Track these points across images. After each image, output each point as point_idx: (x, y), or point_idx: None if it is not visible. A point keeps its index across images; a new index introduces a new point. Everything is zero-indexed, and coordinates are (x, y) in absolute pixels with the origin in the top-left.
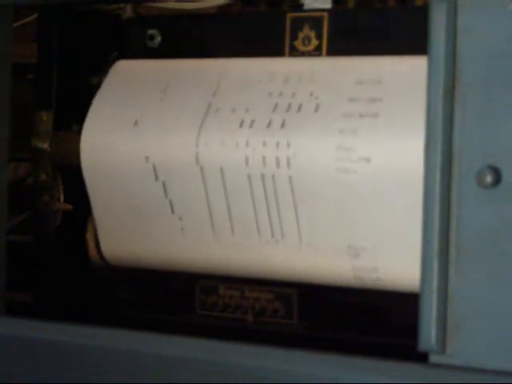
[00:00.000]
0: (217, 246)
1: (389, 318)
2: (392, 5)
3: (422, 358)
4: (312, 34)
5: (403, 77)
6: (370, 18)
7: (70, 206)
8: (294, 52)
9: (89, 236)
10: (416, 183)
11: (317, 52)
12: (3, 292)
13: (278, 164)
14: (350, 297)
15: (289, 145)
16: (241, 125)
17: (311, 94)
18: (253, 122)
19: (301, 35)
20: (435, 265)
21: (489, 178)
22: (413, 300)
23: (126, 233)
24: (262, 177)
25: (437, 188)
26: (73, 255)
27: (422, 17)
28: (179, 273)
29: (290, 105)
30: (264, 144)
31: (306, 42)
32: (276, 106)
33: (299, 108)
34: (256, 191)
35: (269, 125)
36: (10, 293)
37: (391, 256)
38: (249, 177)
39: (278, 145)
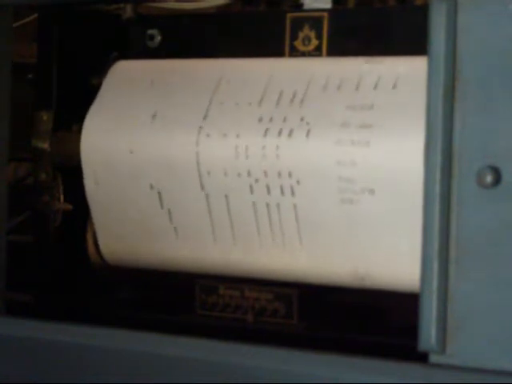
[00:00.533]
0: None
1: (389, 318)
2: (392, 5)
3: (422, 357)
4: (312, 34)
5: (395, 101)
6: (370, 17)
7: (70, 206)
8: (294, 52)
9: (89, 236)
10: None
11: (317, 52)
12: (3, 292)
13: (282, 192)
14: (349, 297)
15: (290, 175)
16: (236, 155)
17: (302, 119)
18: (247, 148)
19: (301, 35)
20: (435, 265)
21: (489, 178)
22: (413, 300)
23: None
24: (267, 205)
25: (437, 188)
26: (73, 255)
27: (422, 17)
28: (179, 273)
29: (280, 130)
30: (266, 174)
31: (306, 42)
32: (267, 131)
33: (290, 133)
34: (261, 219)
35: (263, 152)
36: (10, 293)
37: (396, 280)
38: (254, 204)
39: (279, 174)
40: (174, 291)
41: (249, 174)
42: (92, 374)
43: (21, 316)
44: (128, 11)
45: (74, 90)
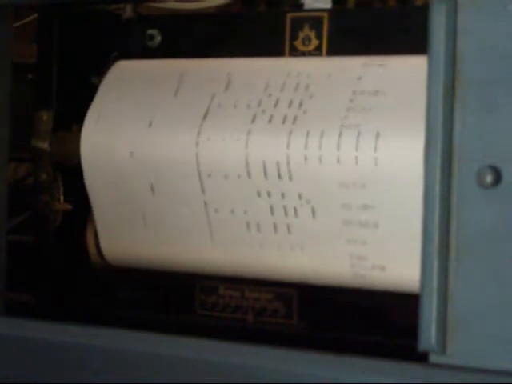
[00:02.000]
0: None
1: (389, 318)
2: (392, 5)
3: (422, 357)
4: (312, 34)
5: (387, 181)
6: (370, 17)
7: (69, 206)
8: (294, 52)
9: (89, 236)
10: None
11: (317, 52)
12: (3, 292)
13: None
14: (350, 297)
15: (302, 249)
16: (248, 228)
17: (300, 197)
18: (258, 225)
19: (301, 35)
20: (435, 265)
21: (489, 178)
22: (413, 300)
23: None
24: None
25: (437, 188)
26: (73, 255)
27: (422, 17)
28: (179, 273)
29: (285, 207)
30: (279, 248)
31: (306, 42)
32: (272, 209)
33: (295, 212)
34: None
35: (275, 229)
36: (10, 293)
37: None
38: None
39: (292, 248)
40: (173, 291)
41: (261, 247)
42: (92, 374)
43: (21, 316)
44: (128, 11)
45: (74, 90)
